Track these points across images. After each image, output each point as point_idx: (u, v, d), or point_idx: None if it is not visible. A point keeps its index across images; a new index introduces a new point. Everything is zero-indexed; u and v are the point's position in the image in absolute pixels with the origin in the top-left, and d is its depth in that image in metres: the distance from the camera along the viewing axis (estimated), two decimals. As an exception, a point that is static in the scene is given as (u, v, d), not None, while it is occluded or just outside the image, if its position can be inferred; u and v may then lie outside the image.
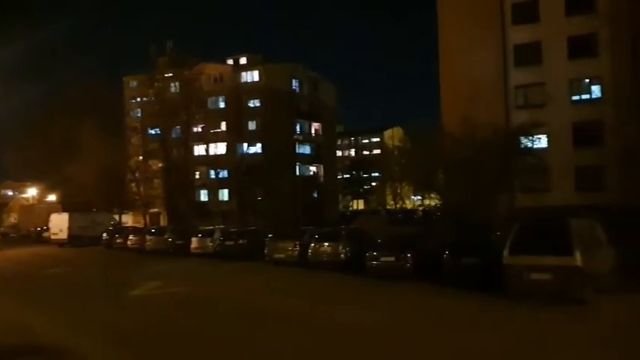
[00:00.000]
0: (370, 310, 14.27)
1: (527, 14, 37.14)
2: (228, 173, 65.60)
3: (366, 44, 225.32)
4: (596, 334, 11.33)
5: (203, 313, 14.44)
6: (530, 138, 30.07)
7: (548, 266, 13.81)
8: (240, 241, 29.35)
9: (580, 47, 34.74)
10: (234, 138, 67.84)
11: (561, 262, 13.62)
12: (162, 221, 63.41)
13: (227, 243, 29.57)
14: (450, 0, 39.90)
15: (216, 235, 30.89)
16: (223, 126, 70.29)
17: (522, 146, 29.81)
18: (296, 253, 24.49)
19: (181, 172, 57.55)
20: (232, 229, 32.81)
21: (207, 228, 33.95)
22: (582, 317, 12.95)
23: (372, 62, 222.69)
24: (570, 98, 36.49)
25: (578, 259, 13.48)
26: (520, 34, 37.48)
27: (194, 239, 31.23)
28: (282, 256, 25.02)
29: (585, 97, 36.54)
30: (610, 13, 23.07)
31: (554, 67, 36.29)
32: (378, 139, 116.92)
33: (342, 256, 22.49)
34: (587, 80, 36.40)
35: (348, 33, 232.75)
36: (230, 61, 75.09)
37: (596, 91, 36.19)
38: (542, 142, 34.03)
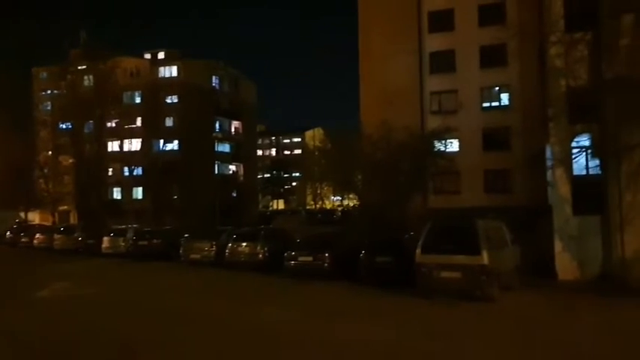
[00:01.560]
0: (284, 309, 14.36)
1: (442, 23, 38.52)
2: (143, 171, 63.83)
3: (289, 45, 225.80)
4: (500, 329, 12.01)
5: (111, 315, 13.94)
6: (443, 142, 31.31)
7: (457, 265, 14.49)
8: (155, 241, 28.61)
9: (491, 57, 36.49)
10: (150, 134, 66.08)
11: (469, 260, 14.32)
12: (73, 219, 60.63)
13: (140, 243, 28.78)
14: (370, 5, 40.66)
15: (129, 234, 30.00)
16: (139, 122, 68.20)
17: (436, 149, 30.97)
18: (212, 253, 24.20)
19: (93, 168, 55.19)
20: (146, 229, 31.96)
21: (120, 227, 32.89)
22: (487, 313, 13.66)
23: (295, 63, 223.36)
24: (481, 105, 38.26)
25: (485, 258, 14.21)
26: (435, 42, 38.83)
27: (105, 238, 30.20)
28: (197, 256, 24.63)
29: (495, 104, 38.47)
30: (519, 25, 24.37)
31: (467, 75, 37.90)
32: (299, 140, 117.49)
33: (260, 256, 22.44)
34: (497, 88, 38.33)
35: (270, 32, 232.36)
36: (148, 56, 72.98)
37: (504, 98, 38.19)
38: (454, 146, 35.49)
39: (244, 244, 23.16)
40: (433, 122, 34.75)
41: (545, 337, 11.07)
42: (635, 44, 16.02)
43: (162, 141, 67.51)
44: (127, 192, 67.68)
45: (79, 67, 56.70)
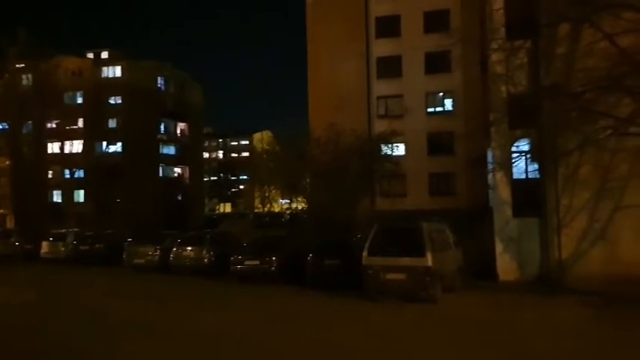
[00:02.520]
0: (226, 315, 14.17)
1: (389, 29, 39.17)
2: (85, 173, 62.03)
3: (238, 46, 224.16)
4: (440, 329, 12.25)
5: (45, 321, 13.37)
6: (390, 146, 31.74)
7: (402, 267, 14.70)
8: (97, 246, 27.76)
9: (436, 63, 37.35)
10: (92, 136, 64.34)
11: (414, 262, 14.56)
12: (9, 223, 58.24)
13: (81, 247, 27.91)
14: (318, 9, 40.87)
15: (70, 238, 28.99)
16: (81, 123, 66.26)
17: (382, 153, 31.37)
18: (157, 258, 23.66)
19: (32, 170, 53.27)
20: (88, 233, 30.94)
21: (60, 231, 31.72)
22: (430, 313, 13.94)
23: (244, 65, 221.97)
24: (426, 110, 39.14)
25: (429, 260, 14.48)
26: (382, 48, 39.42)
27: (44, 243, 29.09)
28: (141, 261, 24.05)
29: (439, 109, 39.43)
30: (462, 32, 25.02)
31: (413, 81, 38.65)
32: (247, 142, 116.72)
33: (206, 260, 22.08)
34: (442, 94, 39.31)
35: (219, 34, 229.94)
36: (90, 55, 70.88)
37: (448, 104, 39.21)
38: (400, 149, 36.06)
39: (189, 248, 22.76)
40: (380, 126, 35.25)
41: (483, 336, 11.36)
42: (571, 53, 16.69)
43: (105, 143, 65.81)
44: (67, 195, 65.64)
45: (17, 66, 54.68)
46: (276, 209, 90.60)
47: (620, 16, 13.43)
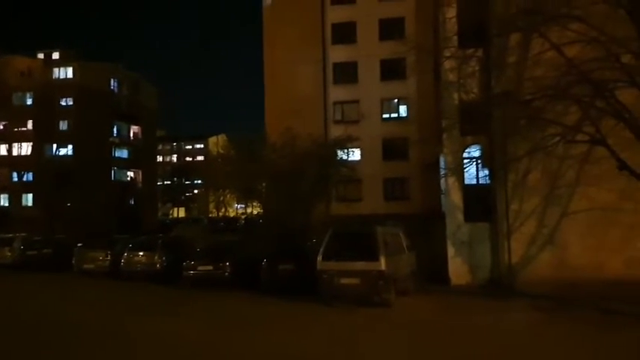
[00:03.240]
0: (176, 321, 13.93)
1: (345, 35, 39.45)
2: (34, 176, 60.11)
3: (193, 48, 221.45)
4: (392, 332, 12.35)
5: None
6: (346, 151, 31.90)
7: (356, 271, 14.77)
8: (45, 251, 27.25)
9: (391, 70, 37.80)
10: (42, 138, 62.52)
11: (368, 267, 14.64)
12: (-49, 228, 55.85)
13: (29, 252, 27.19)
14: (275, 13, 40.79)
15: (17, 243, 28.12)
16: (30, 124, 64.30)
17: (338, 158, 31.47)
18: (107, 263, 23.21)
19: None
20: (36, 238, 30.06)
21: (6, 236, 30.63)
22: (382, 317, 14.04)
23: (199, 68, 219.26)
24: (381, 116, 39.55)
25: (382, 264, 14.59)
26: (338, 54, 39.65)
27: (-11, 248, 27.98)
28: (91, 266, 23.56)
29: (394, 115, 39.87)
30: (416, 40, 25.40)
31: (368, 87, 39.02)
32: (201, 146, 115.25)
33: (158, 265, 21.68)
34: (396, 100, 39.78)
35: (173, 35, 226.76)
36: (41, 56, 68.82)
37: (403, 110, 39.72)
38: (356, 154, 36.28)
39: (141, 253, 22.31)
40: (336, 131, 35.34)
41: (437, 340, 11.50)
42: (521, 62, 17.15)
43: (55, 145, 64.08)
44: (15, 198, 63.73)
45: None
46: (231, 214, 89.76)
47: (567, 27, 13.85)
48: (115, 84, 70.23)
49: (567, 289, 15.85)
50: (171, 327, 13.01)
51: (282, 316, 14.58)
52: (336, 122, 38.94)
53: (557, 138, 14.96)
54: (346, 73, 39.54)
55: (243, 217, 75.85)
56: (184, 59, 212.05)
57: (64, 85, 65.50)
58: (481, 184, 19.85)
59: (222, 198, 79.92)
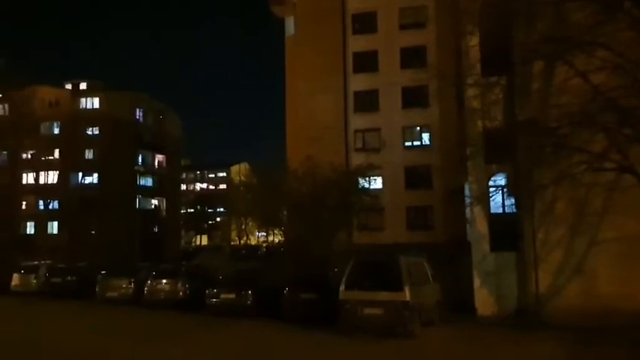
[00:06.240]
0: (200, 350, 13.80)
1: (366, 64, 39.68)
2: (60, 204, 60.94)
3: (217, 79, 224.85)
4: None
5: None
6: (367, 179, 31.77)
7: (380, 301, 14.53)
8: (69, 278, 27.12)
9: (413, 97, 37.87)
10: (68, 166, 63.57)
11: (392, 297, 14.40)
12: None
13: (54, 280, 27.18)
14: (297, 45, 41.32)
15: (42, 271, 28.23)
16: (57, 153, 65.55)
17: (360, 186, 31.35)
18: (130, 291, 23.19)
19: (5, 201, 52.23)
20: (60, 265, 30.20)
21: (32, 263, 30.91)
22: (407, 349, 13.73)
23: (223, 97, 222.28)
24: (403, 144, 39.41)
25: (407, 294, 14.35)
26: (360, 82, 39.85)
27: (15, 276, 28.19)
28: (115, 294, 23.53)
29: (416, 143, 39.72)
30: (438, 68, 25.45)
31: (390, 115, 39.02)
32: (224, 174, 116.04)
33: (181, 294, 21.67)
34: (418, 128, 39.66)
35: (198, 66, 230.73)
36: (69, 86, 70.60)
37: (425, 138, 39.55)
38: (377, 183, 36.12)
39: (164, 281, 22.34)
40: (357, 159, 35.28)
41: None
42: (545, 89, 17.01)
43: (81, 174, 65.14)
44: (41, 226, 64.36)
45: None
46: (253, 242, 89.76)
47: (592, 54, 13.73)
48: (141, 113, 71.44)
49: (596, 319, 15.41)
50: (189, 356, 12.89)
51: (302, 347, 14.33)
52: (357, 150, 38.93)
53: (584, 166, 14.71)
54: (367, 101, 39.64)
55: (264, 245, 75.75)
56: (207, 88, 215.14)
57: (91, 115, 66.86)
58: (507, 212, 19.56)
59: (244, 226, 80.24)
